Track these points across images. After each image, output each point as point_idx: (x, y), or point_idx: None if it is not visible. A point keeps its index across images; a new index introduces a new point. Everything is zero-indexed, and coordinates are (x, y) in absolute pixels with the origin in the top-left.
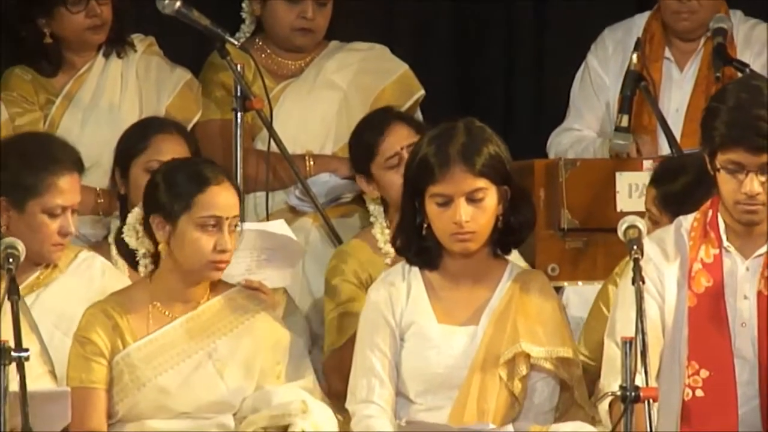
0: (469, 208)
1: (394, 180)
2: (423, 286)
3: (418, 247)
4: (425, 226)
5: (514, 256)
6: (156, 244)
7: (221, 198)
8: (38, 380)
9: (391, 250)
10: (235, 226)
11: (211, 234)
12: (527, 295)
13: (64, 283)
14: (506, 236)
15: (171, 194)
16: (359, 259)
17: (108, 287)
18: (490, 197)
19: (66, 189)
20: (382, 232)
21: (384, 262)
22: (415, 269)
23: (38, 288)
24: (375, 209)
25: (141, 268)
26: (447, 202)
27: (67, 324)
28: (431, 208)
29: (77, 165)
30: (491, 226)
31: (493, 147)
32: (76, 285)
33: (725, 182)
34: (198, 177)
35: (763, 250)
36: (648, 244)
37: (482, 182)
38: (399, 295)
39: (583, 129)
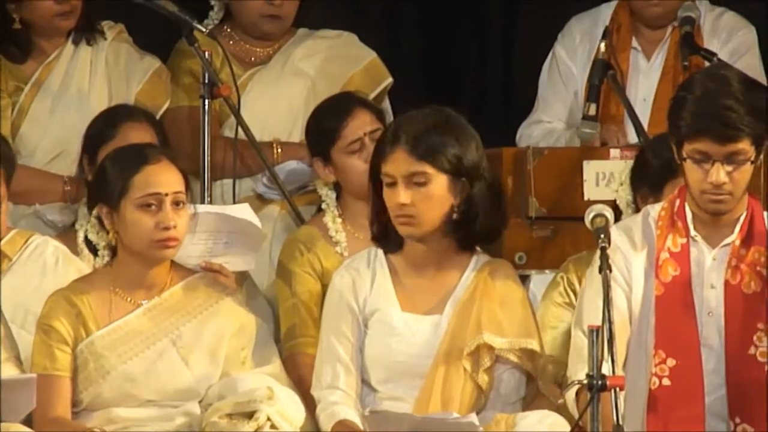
0: (410, 192)
1: (354, 165)
2: (388, 273)
3: (379, 228)
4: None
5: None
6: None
7: (158, 176)
8: (2, 365)
9: (342, 239)
10: (182, 203)
11: (153, 213)
12: (492, 284)
13: (16, 272)
14: (467, 231)
15: (109, 181)
16: (313, 249)
17: (64, 277)
18: (436, 184)
19: None
20: (333, 221)
21: (334, 251)
22: (381, 256)
23: None
24: (327, 194)
25: (98, 260)
26: (392, 183)
27: (22, 316)
28: (384, 189)
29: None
30: (440, 214)
31: (451, 137)
32: (30, 274)
33: (692, 172)
34: (133, 159)
35: (729, 239)
36: (615, 232)
37: (424, 166)
38: (363, 282)
39: (552, 120)
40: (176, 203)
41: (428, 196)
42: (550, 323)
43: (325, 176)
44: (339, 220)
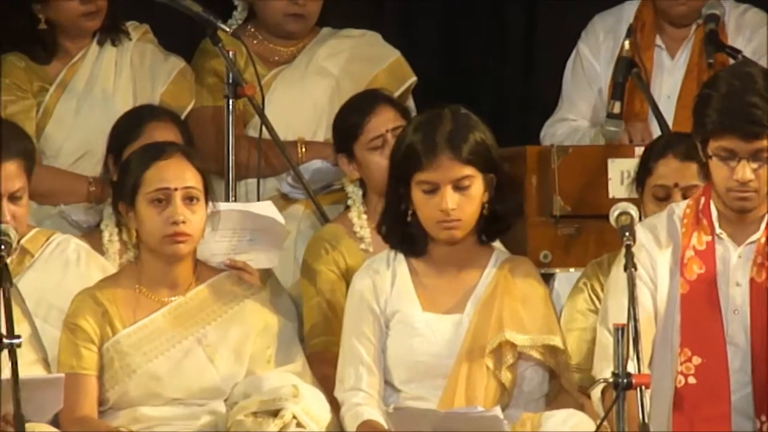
0: (456, 196)
1: (376, 161)
2: (408, 273)
3: (404, 234)
4: (410, 213)
5: (497, 243)
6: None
7: (168, 171)
8: (30, 367)
9: (367, 235)
10: (195, 199)
11: (163, 208)
12: (513, 281)
13: (39, 268)
14: (492, 224)
15: (125, 178)
16: (338, 247)
17: (86, 273)
18: (477, 185)
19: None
20: (359, 216)
21: (359, 248)
22: (400, 257)
23: (13, 276)
24: (353, 191)
25: (125, 257)
26: (433, 189)
27: (45, 310)
28: (417, 195)
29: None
30: (477, 213)
31: (479, 134)
32: (52, 270)
33: (717, 169)
34: (146, 156)
35: (755, 236)
36: (641, 230)
37: (469, 170)
38: (383, 283)
39: (577, 119)
40: (189, 198)
41: (471, 198)
42: (575, 330)
43: (349, 172)
44: (364, 216)
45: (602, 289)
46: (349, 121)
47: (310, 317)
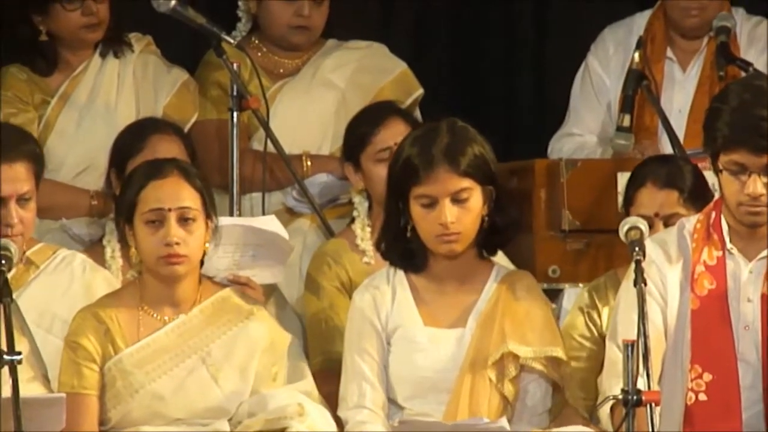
0: (454, 209)
1: (380, 174)
2: (408, 289)
3: (403, 249)
4: (410, 228)
5: (500, 257)
6: None
7: (162, 191)
8: (29, 384)
9: (369, 248)
10: (191, 220)
11: (157, 228)
12: (514, 296)
13: (44, 281)
14: (492, 237)
15: (124, 197)
16: (340, 262)
17: (91, 282)
18: (475, 197)
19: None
20: (362, 228)
21: (362, 263)
22: (400, 273)
23: (17, 288)
24: (359, 201)
25: (128, 274)
26: (432, 203)
27: (49, 321)
28: (416, 209)
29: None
30: (477, 226)
31: (477, 147)
32: (57, 282)
33: (728, 183)
34: (144, 174)
35: (766, 252)
36: (650, 245)
37: (467, 182)
38: (384, 300)
39: (583, 133)
40: (184, 219)
41: (470, 211)
42: (570, 357)
43: (355, 182)
44: (368, 229)
45: (599, 316)
46: (359, 131)
47: (314, 332)
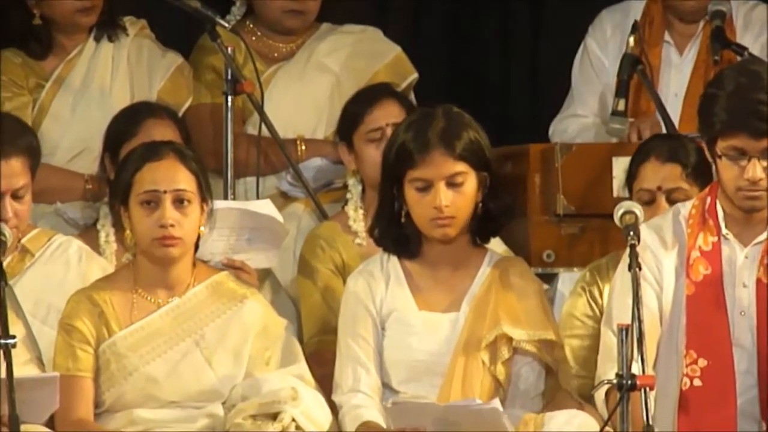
0: (449, 193)
1: (371, 154)
2: (402, 274)
3: (397, 235)
4: (403, 213)
5: (497, 243)
6: None
7: (158, 172)
8: (24, 367)
9: (361, 230)
10: (186, 201)
11: (152, 210)
12: (507, 280)
13: (39, 269)
14: (485, 224)
15: (120, 178)
16: (334, 245)
17: (87, 272)
18: (470, 182)
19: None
20: (355, 210)
21: (354, 245)
22: (394, 258)
23: (13, 276)
24: (353, 184)
25: (124, 258)
26: (427, 186)
27: (44, 312)
28: (410, 193)
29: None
30: (471, 212)
31: (472, 132)
32: (53, 271)
33: (726, 169)
34: (140, 156)
35: (762, 237)
36: (646, 231)
37: (462, 166)
38: (378, 284)
39: (588, 115)
40: (179, 201)
41: (465, 196)
42: (574, 337)
43: (348, 162)
44: (361, 211)
45: (600, 295)
46: (352, 110)
47: (309, 315)
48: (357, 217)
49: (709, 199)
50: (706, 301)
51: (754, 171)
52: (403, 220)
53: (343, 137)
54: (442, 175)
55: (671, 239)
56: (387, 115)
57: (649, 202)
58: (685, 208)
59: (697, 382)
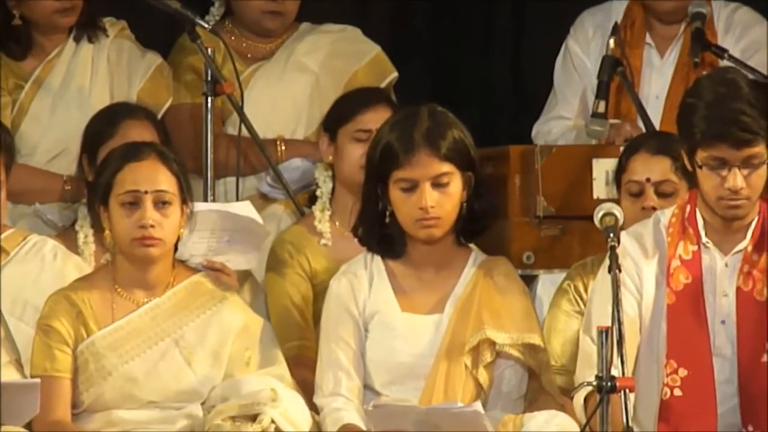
0: (435, 193)
1: (354, 153)
2: (386, 275)
3: (381, 235)
4: (388, 214)
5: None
6: None
7: (138, 173)
8: (3, 369)
9: (326, 230)
10: (167, 203)
11: (133, 211)
12: (492, 282)
13: (14, 268)
14: (470, 224)
15: (100, 178)
16: (302, 250)
17: (62, 269)
18: (455, 182)
19: None
20: (322, 210)
21: (321, 249)
22: (378, 258)
23: None
24: (323, 180)
25: (102, 259)
26: (412, 187)
27: (20, 309)
28: (395, 194)
29: None
30: (456, 212)
31: (457, 132)
32: (28, 269)
33: (707, 179)
34: (120, 156)
35: (742, 245)
36: (626, 239)
37: (447, 166)
38: (361, 285)
39: (571, 116)
40: (160, 202)
41: (450, 196)
42: (559, 332)
43: (325, 154)
44: (327, 213)
45: (586, 291)
46: (346, 105)
47: (280, 320)
48: (323, 218)
49: (688, 208)
50: (686, 311)
51: (735, 180)
52: (387, 220)
53: (328, 129)
54: (427, 176)
55: (652, 248)
56: (377, 120)
57: (637, 194)
58: (665, 217)
59: (677, 392)
